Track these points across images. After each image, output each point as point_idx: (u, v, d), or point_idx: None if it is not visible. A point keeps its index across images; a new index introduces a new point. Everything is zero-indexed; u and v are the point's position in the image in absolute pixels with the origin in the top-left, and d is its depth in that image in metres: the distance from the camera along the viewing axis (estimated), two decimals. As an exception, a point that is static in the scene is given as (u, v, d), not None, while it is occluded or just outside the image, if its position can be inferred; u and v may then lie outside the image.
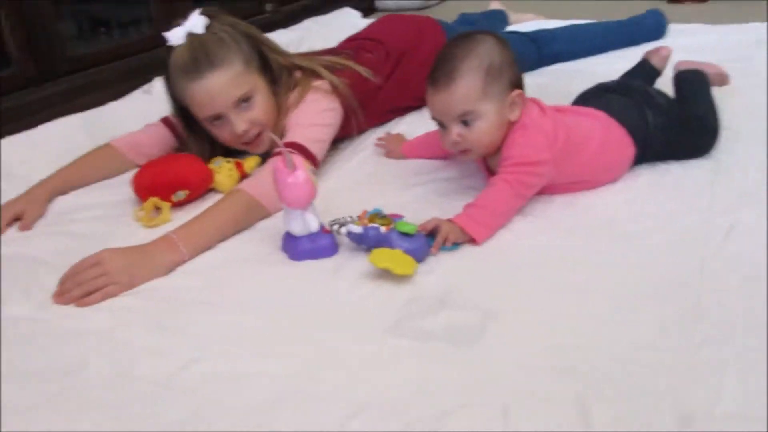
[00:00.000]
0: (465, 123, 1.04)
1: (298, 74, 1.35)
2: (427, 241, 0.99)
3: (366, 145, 1.45)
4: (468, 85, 1.01)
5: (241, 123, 1.21)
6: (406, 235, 0.96)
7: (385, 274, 0.93)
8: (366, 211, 1.03)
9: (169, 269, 1.00)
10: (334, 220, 1.02)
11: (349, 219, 1.02)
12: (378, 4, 3.04)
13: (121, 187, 1.29)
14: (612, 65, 1.77)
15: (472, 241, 1.00)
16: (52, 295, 0.94)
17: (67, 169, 1.31)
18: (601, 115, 1.15)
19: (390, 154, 1.37)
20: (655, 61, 1.43)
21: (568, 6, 2.73)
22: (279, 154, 1.17)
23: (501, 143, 1.07)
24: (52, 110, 1.57)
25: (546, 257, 0.95)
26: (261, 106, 1.23)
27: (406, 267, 0.91)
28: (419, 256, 0.96)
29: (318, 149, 1.25)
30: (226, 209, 1.09)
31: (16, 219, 1.18)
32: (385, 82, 1.49)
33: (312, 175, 1.00)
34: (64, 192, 1.28)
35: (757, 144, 1.23)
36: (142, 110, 1.55)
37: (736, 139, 1.24)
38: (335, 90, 1.33)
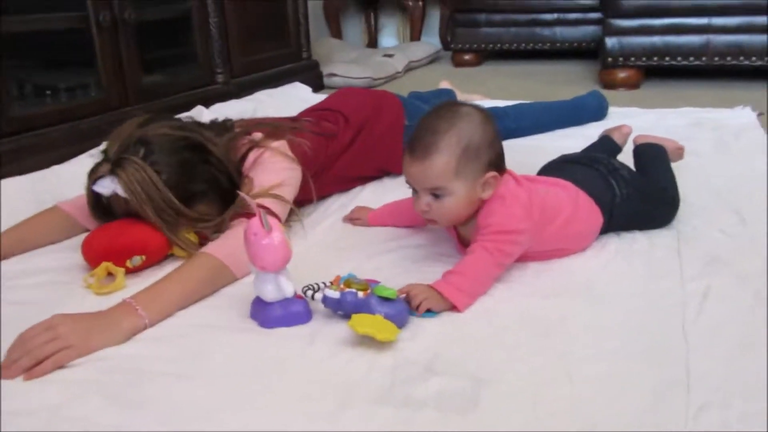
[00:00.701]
0: (435, 195, 1.04)
1: (257, 135, 1.33)
2: (407, 306, 0.96)
3: (332, 210, 1.43)
4: (442, 162, 1.01)
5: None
6: (385, 299, 0.93)
7: (365, 341, 0.89)
8: (339, 276, 1.00)
9: (128, 336, 0.93)
10: (307, 286, 0.98)
11: (322, 285, 0.98)
12: (327, 81, 3.10)
13: (69, 251, 1.22)
14: (559, 142, 1.85)
15: (454, 308, 0.98)
16: (-4, 368, 0.85)
17: (10, 232, 1.22)
18: (569, 185, 1.17)
19: (356, 222, 1.35)
20: (616, 137, 1.49)
21: (513, 87, 2.87)
22: (244, 216, 1.14)
23: (471, 215, 1.07)
24: (-7, 171, 1.48)
25: (528, 321, 0.94)
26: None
27: (388, 333, 0.87)
28: (400, 322, 0.93)
29: (281, 210, 1.22)
30: (192, 273, 1.03)
31: (-51, 287, 1.08)
32: (346, 149, 1.50)
33: (287, 237, 0.96)
34: (5, 257, 1.19)
35: (711, 214, 1.28)
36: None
37: (691, 211, 1.29)
38: (293, 150, 1.32)
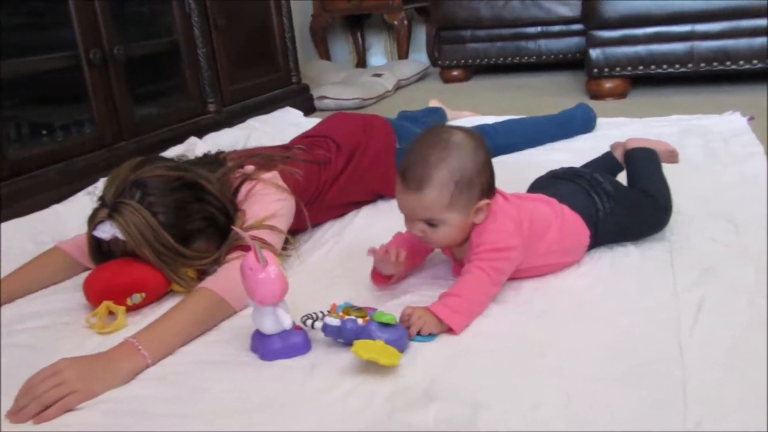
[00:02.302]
0: (429, 224, 1.05)
1: (249, 168, 1.34)
2: (407, 330, 0.97)
3: (326, 237, 1.44)
4: (436, 195, 1.02)
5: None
6: (385, 325, 0.94)
7: (365, 369, 0.90)
8: (335, 304, 1.01)
9: (131, 376, 0.94)
10: (306, 316, 0.99)
11: (320, 314, 1.00)
12: (317, 104, 3.12)
13: (70, 292, 1.23)
14: (548, 156, 1.88)
15: (450, 330, 0.99)
16: (5, 414, 0.86)
17: (12, 277, 1.24)
18: (552, 200, 1.19)
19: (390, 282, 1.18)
20: (618, 154, 1.45)
21: (502, 101, 2.90)
22: (240, 248, 1.16)
23: (466, 238, 1.09)
24: (-8, 215, 1.50)
25: (523, 342, 0.95)
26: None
27: (391, 357, 0.89)
28: (400, 346, 0.94)
29: (276, 241, 1.24)
30: (190, 309, 1.05)
31: (-46, 332, 1.09)
32: (339, 175, 1.51)
33: (282, 270, 0.98)
34: (9, 301, 1.20)
35: (702, 222, 1.30)
36: (87, 212, 1.49)
37: (682, 220, 1.30)
38: (286, 180, 1.33)
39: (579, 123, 2.14)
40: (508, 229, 1.06)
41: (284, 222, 1.30)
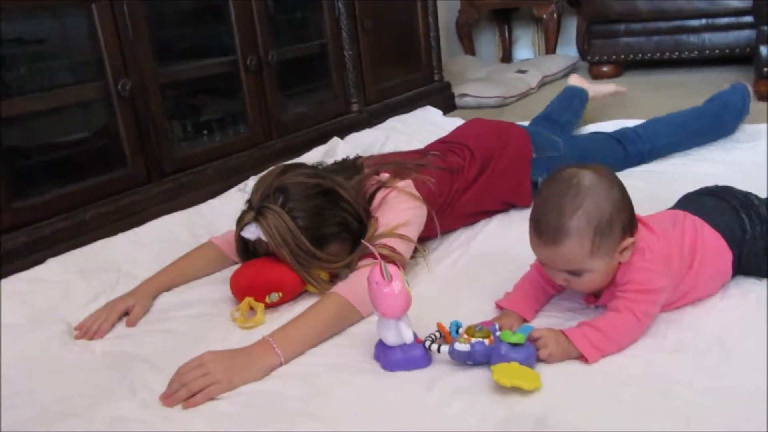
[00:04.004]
0: (572, 273, 1.02)
1: (384, 176, 1.40)
2: (534, 348, 0.97)
3: (456, 246, 1.46)
4: (575, 247, 0.98)
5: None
6: (515, 345, 0.95)
7: (481, 388, 0.92)
8: (441, 324, 1.03)
9: (266, 373, 1.03)
10: (427, 337, 1.02)
11: (436, 335, 1.02)
12: (459, 101, 3.13)
13: (220, 284, 1.35)
14: (698, 168, 1.76)
15: (582, 358, 0.97)
16: (159, 396, 0.98)
17: (172, 267, 1.39)
18: (696, 221, 1.12)
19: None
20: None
21: (656, 100, 2.73)
22: (370, 256, 1.22)
23: (613, 278, 1.04)
24: (158, 208, 1.68)
25: (650, 379, 0.91)
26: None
27: (533, 381, 0.90)
28: (531, 365, 0.95)
29: (405, 249, 1.28)
30: (322, 313, 1.12)
31: (125, 313, 1.26)
32: (471, 184, 1.53)
33: (407, 285, 1.02)
34: (169, 288, 1.36)
35: None
36: (238, 207, 1.63)
37: None
38: (419, 188, 1.37)
39: (733, 111, 1.96)
40: (658, 269, 1.01)
41: (415, 230, 1.34)
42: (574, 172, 1.02)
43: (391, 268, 1.01)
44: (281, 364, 1.05)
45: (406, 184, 1.39)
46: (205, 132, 1.96)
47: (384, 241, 1.26)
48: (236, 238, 1.30)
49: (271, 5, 2.11)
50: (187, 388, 0.97)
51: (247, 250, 1.31)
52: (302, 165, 1.36)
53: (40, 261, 1.40)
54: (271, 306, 1.25)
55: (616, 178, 1.03)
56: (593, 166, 1.05)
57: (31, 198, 1.49)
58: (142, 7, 1.69)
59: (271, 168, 1.32)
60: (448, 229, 1.52)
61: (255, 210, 1.24)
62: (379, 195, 1.36)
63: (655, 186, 1.64)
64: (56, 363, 1.13)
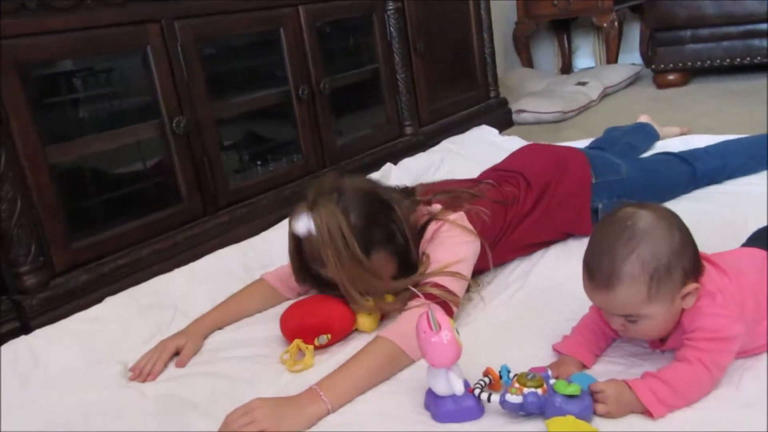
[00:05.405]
0: (629, 320, 0.96)
1: (436, 206, 1.36)
2: (591, 399, 0.91)
3: (512, 279, 1.41)
4: (629, 293, 0.92)
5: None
6: (570, 397, 0.90)
7: (535, 447, 0.87)
8: (490, 369, 0.99)
9: (313, 422, 1.01)
10: (476, 384, 0.98)
11: (485, 381, 0.98)
12: (516, 117, 3.06)
13: (271, 322, 1.34)
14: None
15: (647, 413, 0.91)
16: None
17: (224, 305, 1.40)
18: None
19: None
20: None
21: (725, 110, 2.59)
22: (416, 297, 1.18)
23: (675, 325, 0.97)
24: (213, 242, 1.70)
25: (720, 437, 0.85)
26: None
27: None
28: (587, 418, 0.89)
29: (459, 288, 1.24)
30: (370, 359, 1.10)
31: (177, 353, 1.27)
32: (526, 215, 1.47)
33: (456, 334, 0.98)
34: (220, 327, 1.36)
35: None
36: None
37: None
38: (472, 221, 1.33)
39: None
40: (731, 315, 0.93)
41: (468, 267, 1.30)
42: (631, 212, 0.96)
43: (440, 316, 0.97)
44: (329, 413, 1.02)
45: (459, 216, 1.34)
46: (259, 163, 1.98)
47: (436, 279, 1.22)
48: (289, 237, 1.27)
49: (323, 34, 2.12)
50: (234, 436, 0.96)
51: (299, 253, 1.27)
52: (359, 174, 1.36)
53: (99, 299, 1.44)
54: (320, 348, 1.23)
55: (678, 218, 0.96)
56: (653, 206, 0.98)
57: (90, 237, 1.53)
58: (195, 47, 1.73)
59: (328, 173, 1.31)
60: (502, 261, 1.47)
61: (309, 202, 1.22)
62: (431, 228, 1.32)
63: (726, 209, 1.55)
64: (112, 406, 1.14)
